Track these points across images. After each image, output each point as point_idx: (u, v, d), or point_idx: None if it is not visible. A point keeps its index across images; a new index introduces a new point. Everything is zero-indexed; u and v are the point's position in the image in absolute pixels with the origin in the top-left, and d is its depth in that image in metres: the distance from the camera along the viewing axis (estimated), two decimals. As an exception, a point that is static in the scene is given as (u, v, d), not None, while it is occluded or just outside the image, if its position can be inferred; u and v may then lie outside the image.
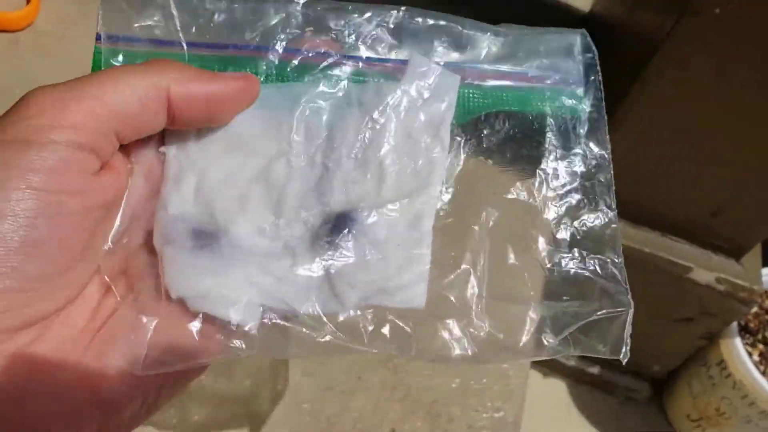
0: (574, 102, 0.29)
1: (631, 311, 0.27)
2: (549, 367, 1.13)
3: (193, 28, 0.28)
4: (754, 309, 0.96)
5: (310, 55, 0.28)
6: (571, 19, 1.00)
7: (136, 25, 0.27)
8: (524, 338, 0.27)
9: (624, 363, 0.26)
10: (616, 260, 0.28)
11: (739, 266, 0.86)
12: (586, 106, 0.29)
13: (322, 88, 0.28)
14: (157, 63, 0.25)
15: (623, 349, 0.27)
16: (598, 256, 0.28)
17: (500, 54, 0.29)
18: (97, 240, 0.26)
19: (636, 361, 1.07)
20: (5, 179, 0.22)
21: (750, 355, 0.94)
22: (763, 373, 0.92)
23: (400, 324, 0.26)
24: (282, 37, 0.28)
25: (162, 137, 0.28)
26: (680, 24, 0.64)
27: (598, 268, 0.28)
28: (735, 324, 0.94)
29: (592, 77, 0.29)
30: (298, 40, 0.28)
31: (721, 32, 0.63)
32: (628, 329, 0.27)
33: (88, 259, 0.26)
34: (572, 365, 1.10)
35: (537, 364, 1.12)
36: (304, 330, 0.26)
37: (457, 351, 0.27)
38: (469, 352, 0.27)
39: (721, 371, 0.96)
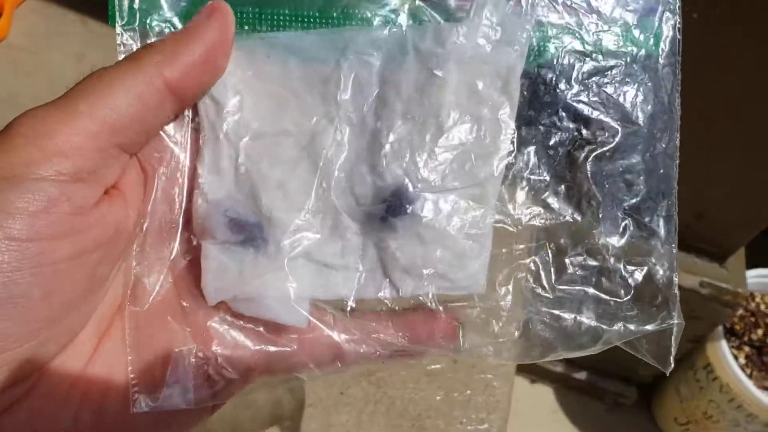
0: (647, 38, 0.26)
1: (682, 326, 0.25)
2: (536, 373, 1.12)
3: None
4: (740, 311, 0.96)
5: None
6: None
7: None
8: (579, 335, 0.25)
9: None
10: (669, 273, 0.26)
11: (722, 270, 0.87)
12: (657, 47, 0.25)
13: (373, 33, 0.23)
14: (139, 53, 0.22)
15: (670, 361, 0.25)
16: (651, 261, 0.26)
17: None
18: (96, 284, 0.23)
19: (623, 366, 1.07)
20: None
21: (736, 358, 0.94)
22: (750, 376, 0.93)
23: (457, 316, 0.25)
24: None
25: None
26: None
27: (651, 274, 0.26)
28: (720, 327, 0.94)
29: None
30: None
31: (701, 35, 0.64)
32: (676, 344, 0.25)
33: (80, 307, 0.22)
34: (559, 371, 1.10)
35: (524, 370, 1.11)
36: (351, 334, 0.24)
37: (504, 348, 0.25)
38: (508, 354, 0.25)
39: (707, 375, 0.96)
